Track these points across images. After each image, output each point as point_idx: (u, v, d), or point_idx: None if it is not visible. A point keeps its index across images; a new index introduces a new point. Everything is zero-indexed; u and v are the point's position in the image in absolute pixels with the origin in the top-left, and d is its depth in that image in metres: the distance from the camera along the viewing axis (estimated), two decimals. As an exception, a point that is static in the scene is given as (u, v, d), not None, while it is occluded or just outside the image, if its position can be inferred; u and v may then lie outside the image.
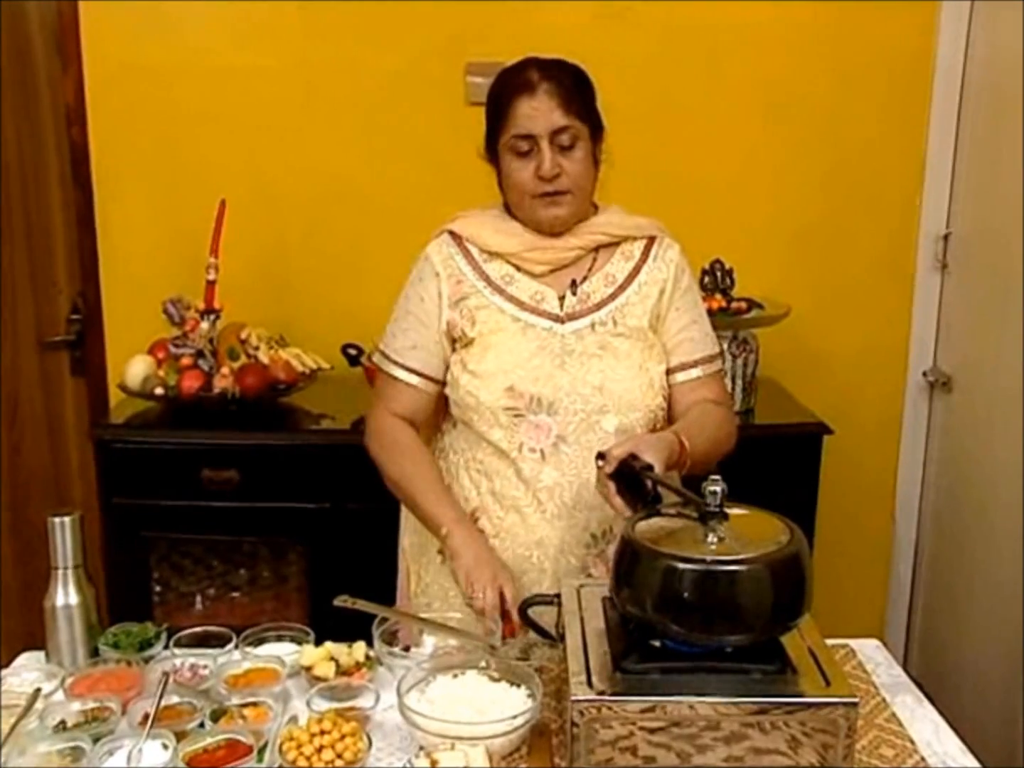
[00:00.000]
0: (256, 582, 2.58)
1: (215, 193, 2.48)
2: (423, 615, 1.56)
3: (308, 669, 1.44)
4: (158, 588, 2.51)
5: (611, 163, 1.70)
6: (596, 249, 1.71)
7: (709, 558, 1.24)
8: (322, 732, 1.25)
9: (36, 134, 2.66)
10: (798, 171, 2.71)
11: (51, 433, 2.84)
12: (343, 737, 1.25)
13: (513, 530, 1.64)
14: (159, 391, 2.39)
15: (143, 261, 2.69)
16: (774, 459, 2.44)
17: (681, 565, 1.23)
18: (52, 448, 2.84)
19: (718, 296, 2.48)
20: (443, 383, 1.71)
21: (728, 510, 1.31)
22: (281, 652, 1.50)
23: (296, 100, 2.63)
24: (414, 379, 1.71)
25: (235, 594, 2.58)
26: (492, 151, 1.68)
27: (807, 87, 2.67)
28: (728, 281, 2.51)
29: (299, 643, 1.52)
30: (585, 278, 1.69)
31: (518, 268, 1.68)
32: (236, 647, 1.51)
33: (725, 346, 2.44)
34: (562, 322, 1.66)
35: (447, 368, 1.70)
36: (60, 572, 1.47)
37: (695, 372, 1.72)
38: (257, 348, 2.50)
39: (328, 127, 2.65)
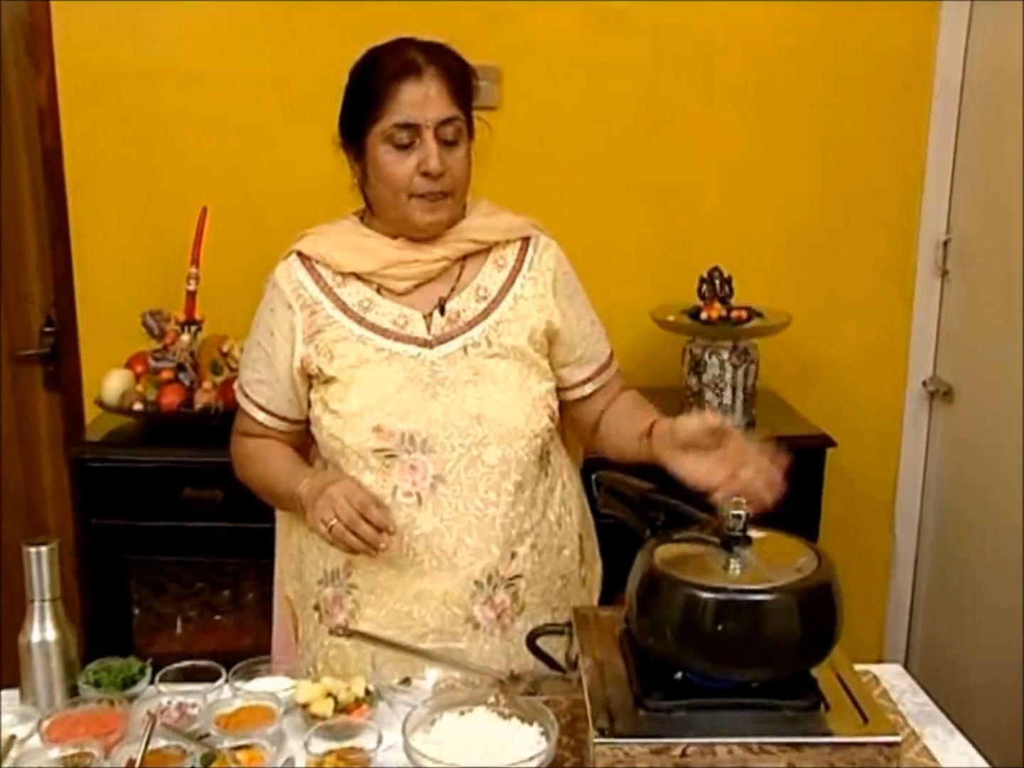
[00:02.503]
0: (240, 604, 2.50)
1: (194, 200, 2.40)
2: (424, 647, 1.48)
3: (304, 706, 1.35)
4: (137, 611, 2.41)
5: (483, 164, 1.54)
6: (463, 258, 1.55)
7: (733, 586, 1.16)
8: (323, 778, 1.17)
9: (7, 138, 2.56)
10: (796, 176, 2.65)
11: (24, 450, 2.73)
12: (346, 783, 1.17)
13: (388, 584, 1.51)
14: (138, 407, 2.30)
15: (120, 271, 2.58)
16: (776, 473, 2.37)
17: (704, 594, 1.15)
18: (25, 466, 2.73)
19: (717, 305, 2.42)
20: (297, 421, 1.59)
21: (749, 532, 1.24)
22: (274, 688, 1.41)
23: (278, 103, 2.53)
24: (260, 415, 1.58)
25: (218, 617, 2.49)
26: (354, 140, 1.52)
27: (804, 90, 2.61)
28: (727, 289, 2.44)
29: (292, 677, 1.44)
30: (452, 291, 1.54)
31: (378, 289, 1.53)
32: (227, 681, 1.42)
33: (725, 357, 2.38)
34: (430, 347, 1.50)
35: (301, 405, 1.57)
36: (36, 605, 1.37)
37: (606, 377, 1.63)
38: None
39: (311, 131, 2.49)
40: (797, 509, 2.33)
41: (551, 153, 2.57)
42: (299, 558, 1.65)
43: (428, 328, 1.52)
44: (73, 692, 1.38)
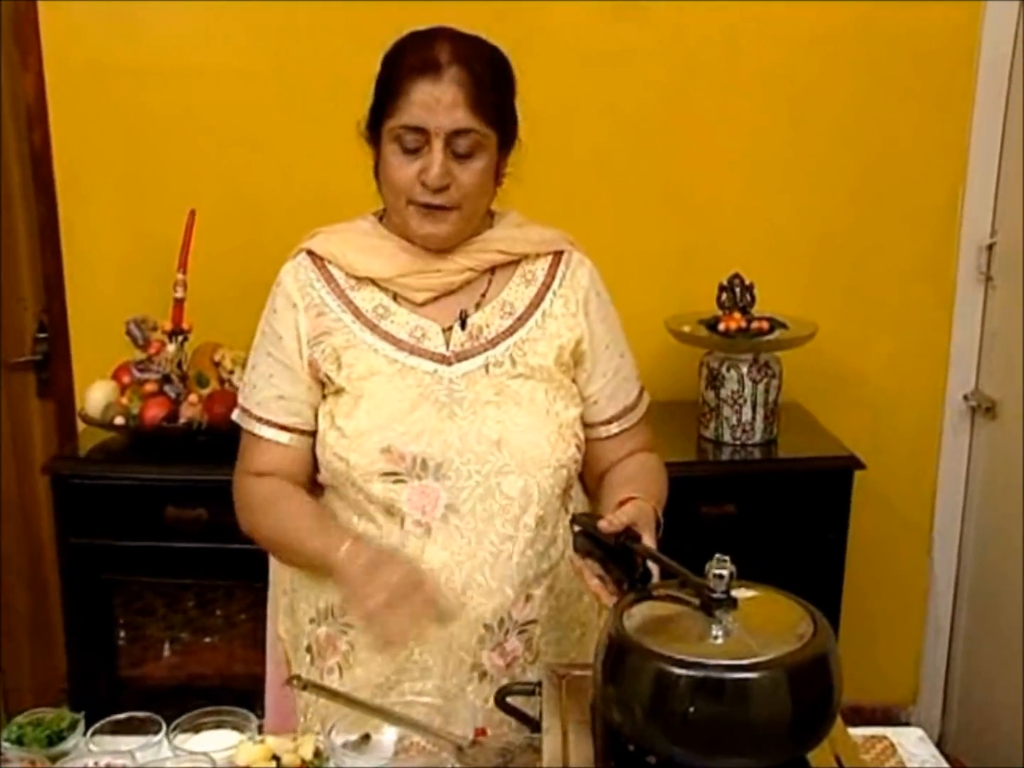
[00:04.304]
0: (232, 624, 2.39)
1: (187, 202, 2.30)
2: (380, 703, 1.34)
3: (243, 771, 1.23)
4: (123, 634, 2.32)
5: (519, 178, 1.40)
6: (491, 270, 1.43)
7: (713, 661, 1.01)
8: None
9: (-3, 138, 2.47)
10: (823, 175, 2.50)
11: (18, 460, 2.64)
12: None
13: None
14: (119, 420, 2.19)
15: (112, 276, 2.49)
16: (799, 496, 2.24)
17: (677, 669, 1.00)
18: (19, 478, 2.64)
19: (737, 315, 2.28)
20: None
21: (735, 591, 1.08)
22: (218, 744, 1.29)
23: (274, 103, 2.42)
24: (284, 436, 1.41)
25: (208, 639, 2.39)
26: (373, 130, 1.38)
27: (833, 84, 2.46)
28: (748, 298, 2.30)
29: (242, 731, 1.31)
30: (477, 307, 1.41)
31: (394, 297, 1.41)
32: (166, 736, 1.30)
33: (744, 371, 2.23)
34: (449, 363, 1.38)
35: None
36: (-44, 653, 1.26)
37: (632, 419, 1.48)
38: (232, 372, 2.29)
39: (309, 131, 2.44)
40: (822, 537, 2.22)
41: (563, 152, 2.42)
42: (292, 594, 1.53)
43: (447, 343, 1.39)
44: (-4, 749, 1.27)
